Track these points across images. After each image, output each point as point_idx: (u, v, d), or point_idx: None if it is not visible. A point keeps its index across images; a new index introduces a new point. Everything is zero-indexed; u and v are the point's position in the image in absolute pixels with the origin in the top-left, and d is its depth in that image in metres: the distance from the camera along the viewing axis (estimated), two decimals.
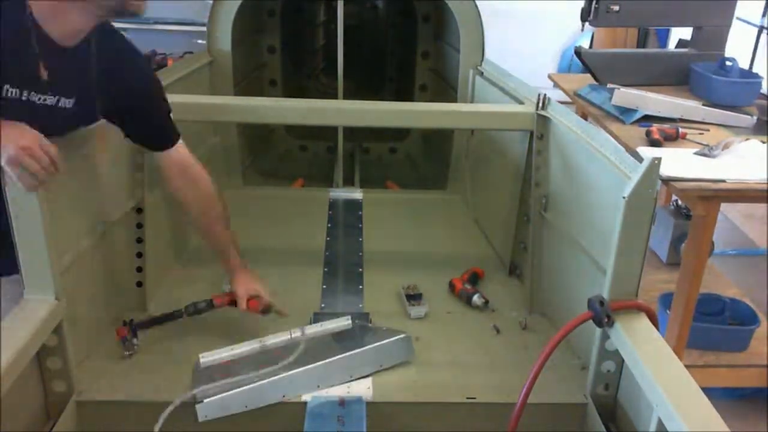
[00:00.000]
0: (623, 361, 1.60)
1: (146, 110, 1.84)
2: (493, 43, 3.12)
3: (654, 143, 2.65)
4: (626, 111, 2.98)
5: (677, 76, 3.41)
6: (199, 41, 2.86)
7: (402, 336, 1.92)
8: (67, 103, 1.60)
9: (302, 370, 1.78)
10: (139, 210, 2.17)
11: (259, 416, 1.74)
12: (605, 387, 1.73)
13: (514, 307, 2.27)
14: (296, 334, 1.88)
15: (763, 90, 3.20)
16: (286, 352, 1.83)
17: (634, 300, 1.61)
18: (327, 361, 1.81)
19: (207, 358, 1.80)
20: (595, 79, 3.43)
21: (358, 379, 1.84)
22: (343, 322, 1.95)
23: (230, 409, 1.71)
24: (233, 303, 1.99)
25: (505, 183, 2.53)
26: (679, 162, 2.39)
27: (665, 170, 2.19)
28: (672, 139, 2.71)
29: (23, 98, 1.50)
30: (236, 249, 2.06)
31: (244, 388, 1.72)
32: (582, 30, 3.59)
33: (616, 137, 2.74)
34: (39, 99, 1.54)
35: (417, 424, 1.77)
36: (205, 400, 1.69)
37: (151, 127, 1.89)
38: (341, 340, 1.92)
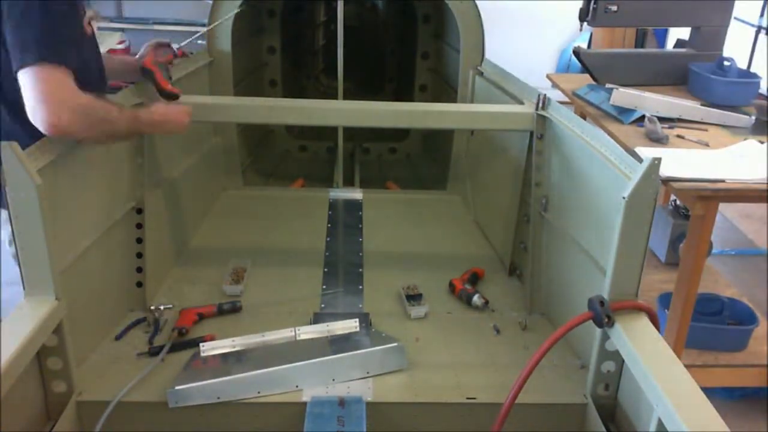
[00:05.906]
0: (623, 361, 1.60)
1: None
2: (492, 43, 3.12)
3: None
4: (624, 111, 2.98)
5: (675, 76, 3.41)
6: (199, 41, 2.86)
7: (393, 345, 1.87)
8: None
9: (282, 369, 1.77)
10: (139, 210, 2.17)
11: (259, 415, 1.74)
12: (605, 387, 1.73)
13: (514, 307, 2.27)
14: (300, 331, 1.88)
15: (762, 90, 3.21)
16: (288, 349, 1.83)
17: (635, 300, 1.62)
18: (310, 362, 1.79)
19: (207, 348, 1.83)
20: (594, 79, 3.44)
21: (347, 381, 1.82)
22: (351, 324, 1.95)
23: (202, 399, 1.70)
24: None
25: (505, 183, 2.53)
26: (677, 162, 2.39)
27: (664, 170, 2.19)
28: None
29: None
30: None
31: (218, 380, 1.72)
32: (580, 30, 3.59)
33: (614, 137, 2.74)
34: None
35: (417, 424, 1.77)
36: (176, 387, 1.70)
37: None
38: (333, 341, 1.91)
